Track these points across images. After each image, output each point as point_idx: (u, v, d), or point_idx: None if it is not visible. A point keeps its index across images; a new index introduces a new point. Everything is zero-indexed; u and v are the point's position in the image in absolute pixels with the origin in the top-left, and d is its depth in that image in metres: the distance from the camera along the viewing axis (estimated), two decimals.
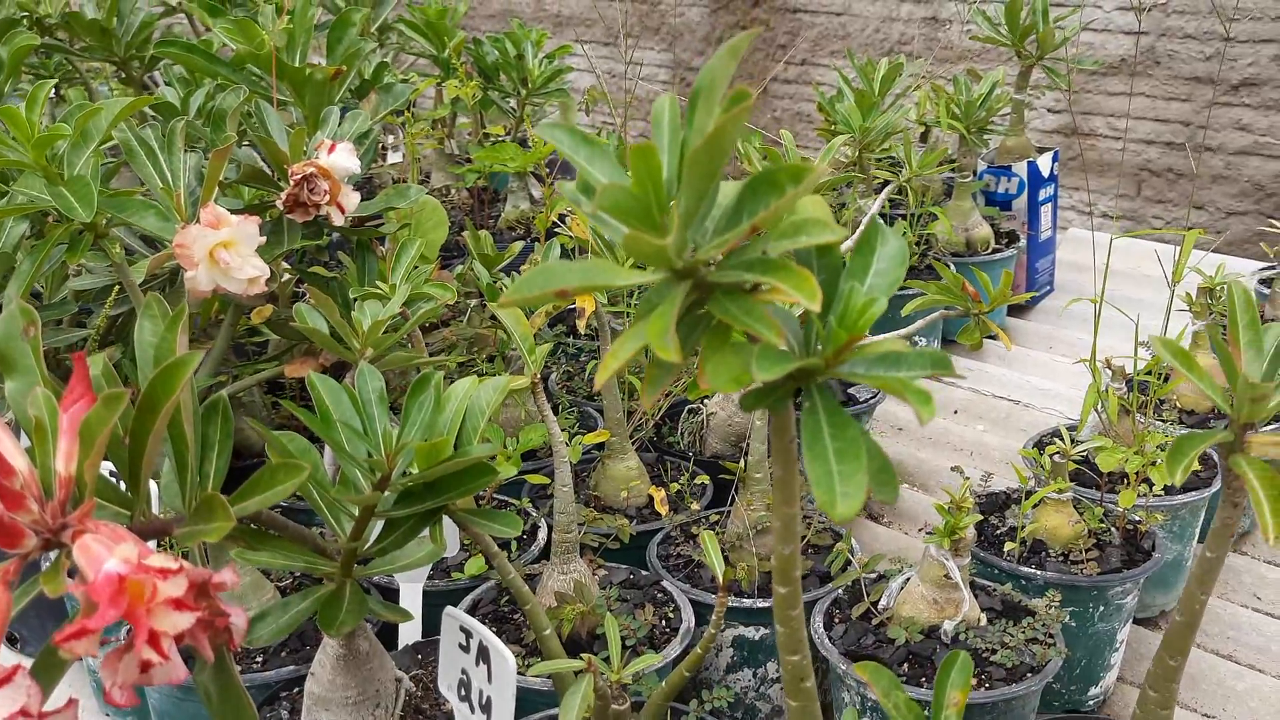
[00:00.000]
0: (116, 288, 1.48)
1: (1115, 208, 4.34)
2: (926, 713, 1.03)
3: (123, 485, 0.92)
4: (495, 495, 1.72)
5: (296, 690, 1.31)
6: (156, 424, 0.83)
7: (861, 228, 0.86)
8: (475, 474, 1.04)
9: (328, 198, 1.51)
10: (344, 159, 1.53)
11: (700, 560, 1.62)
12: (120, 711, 1.63)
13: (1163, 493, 1.72)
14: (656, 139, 0.78)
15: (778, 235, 0.78)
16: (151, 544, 0.86)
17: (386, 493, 1.05)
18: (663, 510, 1.73)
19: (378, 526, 1.11)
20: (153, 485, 1.13)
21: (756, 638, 1.55)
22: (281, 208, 1.51)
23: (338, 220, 1.54)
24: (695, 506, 1.76)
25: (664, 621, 1.49)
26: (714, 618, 1.11)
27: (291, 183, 1.49)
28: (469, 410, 1.10)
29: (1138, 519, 1.67)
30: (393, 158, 3.02)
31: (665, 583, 1.56)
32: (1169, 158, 4.15)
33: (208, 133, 1.57)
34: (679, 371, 0.80)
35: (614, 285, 0.78)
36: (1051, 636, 1.42)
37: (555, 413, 1.99)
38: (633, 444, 1.85)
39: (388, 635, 1.44)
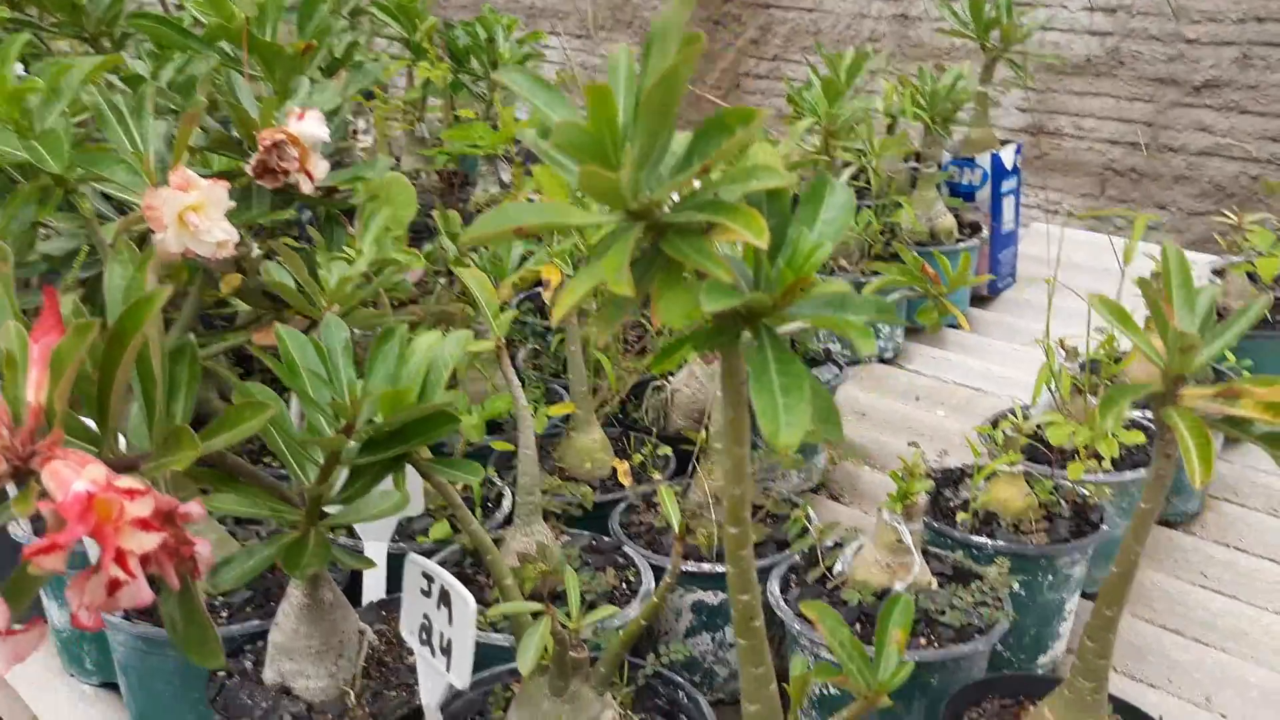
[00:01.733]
0: (86, 249, 1.49)
1: (1079, 207, 4.41)
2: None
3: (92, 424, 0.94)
4: None
5: (260, 644, 1.33)
6: (125, 357, 0.85)
7: (813, 180, 0.90)
8: (438, 421, 1.06)
9: (297, 164, 1.53)
10: (313, 127, 1.55)
11: (661, 528, 1.65)
12: (86, 672, 1.64)
13: (1111, 468, 1.77)
14: (613, 85, 0.81)
15: (729, 180, 0.81)
16: None
17: (351, 441, 1.07)
18: (626, 481, 1.76)
19: (342, 477, 1.14)
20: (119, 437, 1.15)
21: (715, 602, 1.58)
22: (251, 174, 1.53)
23: (306, 188, 1.56)
24: (658, 476, 1.79)
25: (625, 584, 1.52)
26: (670, 567, 1.14)
27: (261, 149, 1.51)
28: (433, 362, 1.12)
29: (1087, 493, 1.72)
30: (364, 141, 3.04)
31: (627, 548, 1.59)
32: (1133, 158, 4.22)
33: (178, 99, 1.59)
34: (630, 309, 0.83)
35: (568, 224, 0.81)
36: (1000, 600, 1.46)
37: (522, 387, 2.02)
38: (598, 420, 1.88)
39: (352, 594, 1.46)
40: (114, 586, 0.79)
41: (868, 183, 2.60)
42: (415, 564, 1.12)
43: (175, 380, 0.98)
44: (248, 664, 1.31)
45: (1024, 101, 4.33)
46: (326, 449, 1.05)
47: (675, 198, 0.82)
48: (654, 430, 1.95)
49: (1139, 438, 1.64)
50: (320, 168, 1.58)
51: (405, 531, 1.63)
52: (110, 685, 1.64)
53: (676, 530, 1.13)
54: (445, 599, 1.07)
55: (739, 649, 1.00)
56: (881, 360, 2.67)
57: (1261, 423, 0.97)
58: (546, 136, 0.86)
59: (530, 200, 2.28)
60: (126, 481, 0.77)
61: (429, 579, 1.10)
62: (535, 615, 1.09)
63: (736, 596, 0.97)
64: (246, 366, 2.16)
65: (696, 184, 0.81)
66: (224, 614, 1.40)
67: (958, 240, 2.74)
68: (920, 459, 1.47)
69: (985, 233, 2.84)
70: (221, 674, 1.29)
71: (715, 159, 0.77)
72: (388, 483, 1.13)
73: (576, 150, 0.76)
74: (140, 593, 0.81)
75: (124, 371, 0.86)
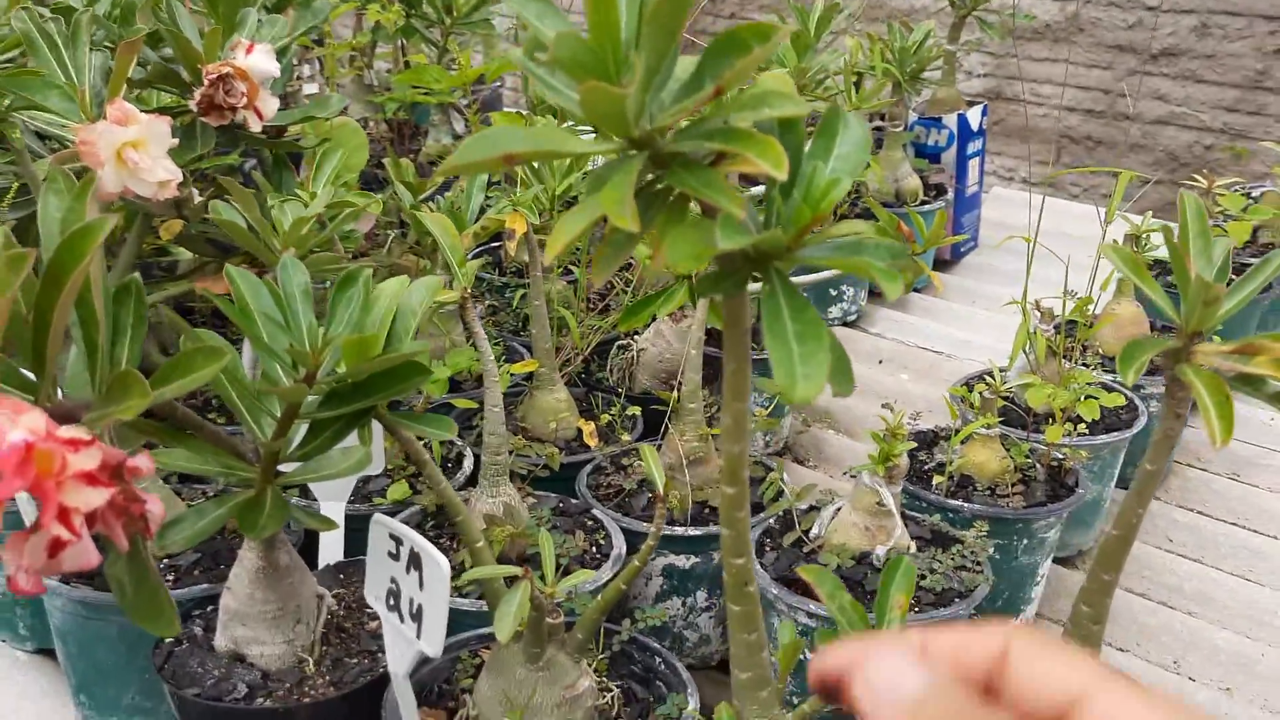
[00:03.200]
0: (14, 187, 1.39)
1: (1035, 174, 4.41)
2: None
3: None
4: None
5: (210, 609, 1.25)
6: (63, 296, 0.76)
7: (826, 112, 0.83)
8: (407, 373, 0.99)
9: (245, 100, 1.43)
10: (263, 61, 1.45)
11: (631, 489, 1.59)
12: (19, 638, 1.54)
13: (1087, 432, 1.74)
14: None
15: (738, 106, 0.74)
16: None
17: (311, 394, 1.00)
18: (592, 442, 1.70)
19: (300, 432, 1.06)
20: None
21: (687, 566, 1.53)
22: (195, 109, 1.43)
23: (255, 126, 1.47)
24: (626, 437, 1.72)
25: (595, 547, 1.46)
26: (653, 528, 1.08)
27: (206, 82, 1.41)
28: (399, 310, 1.04)
29: (1062, 456, 1.69)
30: (309, 88, 2.92)
31: (596, 511, 1.52)
32: (1089, 125, 4.21)
33: (114, 28, 1.48)
34: (631, 250, 0.75)
35: (564, 152, 0.74)
36: (979, 564, 1.43)
37: None
38: (562, 380, 1.81)
39: (309, 556, 1.38)
40: (57, 547, 0.71)
41: None
42: (382, 525, 1.05)
43: (120, 323, 0.89)
44: (197, 630, 1.22)
45: (983, 66, 4.30)
46: (285, 400, 0.97)
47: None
48: (620, 390, 1.89)
49: (1119, 400, 1.60)
50: (270, 105, 1.48)
51: (361, 492, 1.55)
52: (46, 651, 1.54)
53: (660, 489, 1.06)
54: (415, 562, 1.00)
55: (730, 615, 0.94)
56: (844, 323, 2.63)
57: (1276, 380, 0.93)
58: (535, 51, 0.79)
59: None
60: (70, 431, 0.69)
61: (397, 541, 1.03)
62: (509, 580, 1.03)
63: (730, 560, 0.91)
64: (189, 323, 2.06)
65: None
66: (170, 577, 1.32)
67: (923, 202, 2.70)
68: (902, 420, 1.42)
69: (950, 195, 2.80)
70: (169, 641, 1.21)
71: (729, 80, 0.70)
72: (348, 440, 1.05)
73: (576, 67, 0.69)
74: (86, 554, 0.73)
75: (62, 312, 0.77)
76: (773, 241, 0.74)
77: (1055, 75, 4.20)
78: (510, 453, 1.55)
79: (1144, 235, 1.99)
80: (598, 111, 0.69)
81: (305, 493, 1.47)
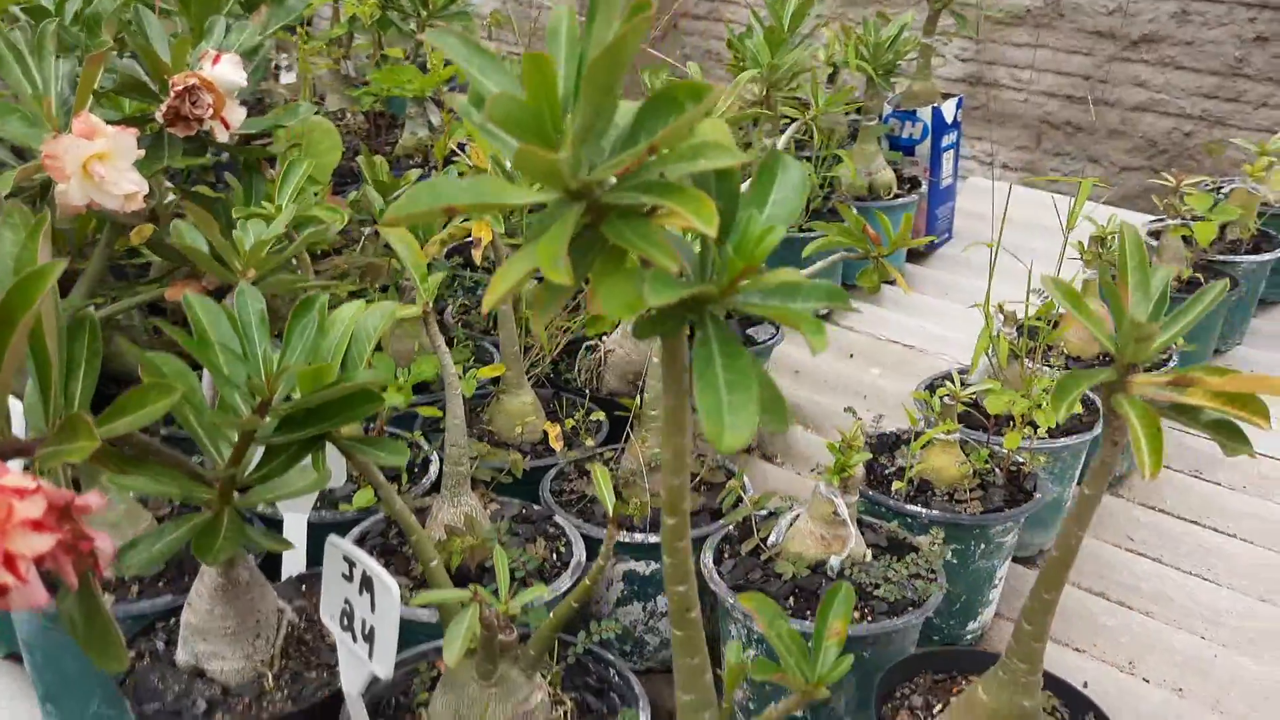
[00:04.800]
0: None
1: (1014, 159, 4.42)
2: (809, 643, 1.04)
3: None
4: (387, 428, 1.68)
5: (173, 621, 1.27)
6: (14, 339, 0.78)
7: (765, 157, 0.85)
8: (360, 400, 1.01)
9: (211, 111, 1.44)
10: (229, 72, 1.46)
11: (594, 496, 1.61)
12: None
13: (1046, 435, 1.76)
14: (553, 51, 0.75)
15: (675, 158, 0.76)
16: (15, 464, 0.81)
17: (267, 418, 1.01)
18: (557, 446, 1.72)
19: (258, 454, 1.07)
20: (16, 405, 1.07)
21: (647, 572, 1.55)
22: (161, 121, 1.44)
23: (222, 136, 1.47)
24: (590, 442, 1.74)
25: (555, 555, 1.48)
26: (603, 550, 1.10)
27: (172, 94, 1.42)
28: (355, 335, 1.06)
29: (1021, 460, 1.71)
30: (286, 78, 2.91)
31: (557, 517, 1.55)
32: (1068, 110, 4.22)
33: (83, 38, 1.48)
34: (569, 295, 0.77)
35: (505, 204, 0.75)
36: (934, 572, 1.45)
37: (451, 346, 1.96)
38: (529, 380, 1.82)
39: (272, 567, 1.40)
40: (3, 590, 0.73)
41: (808, 133, 2.55)
42: (336, 547, 1.07)
43: (73, 358, 0.90)
44: (159, 644, 1.25)
45: (964, 51, 4.30)
46: (241, 430, 0.99)
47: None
48: (587, 391, 1.91)
49: (1076, 408, 1.63)
50: (236, 115, 1.49)
51: (327, 499, 1.57)
52: (15, 656, 1.56)
53: (610, 514, 1.09)
54: (367, 584, 1.02)
55: (674, 640, 0.96)
56: (816, 316, 2.64)
57: (1210, 410, 0.95)
58: (478, 104, 0.80)
59: (461, 148, 2.19)
60: (14, 479, 0.71)
61: (350, 563, 1.05)
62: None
63: (673, 589, 0.93)
64: (161, 315, 2.07)
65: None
66: (134, 589, 1.34)
67: (896, 195, 2.71)
68: (860, 430, 1.45)
69: (924, 188, 2.82)
70: (131, 654, 1.23)
71: (664, 139, 0.71)
72: (304, 462, 1.07)
73: (513, 126, 0.70)
74: (34, 595, 0.74)
75: (14, 353, 0.79)
76: (704, 295, 0.76)
77: (1035, 61, 4.20)
78: (474, 460, 1.57)
79: (1109, 237, 2.01)
80: (533, 170, 0.70)
81: None
